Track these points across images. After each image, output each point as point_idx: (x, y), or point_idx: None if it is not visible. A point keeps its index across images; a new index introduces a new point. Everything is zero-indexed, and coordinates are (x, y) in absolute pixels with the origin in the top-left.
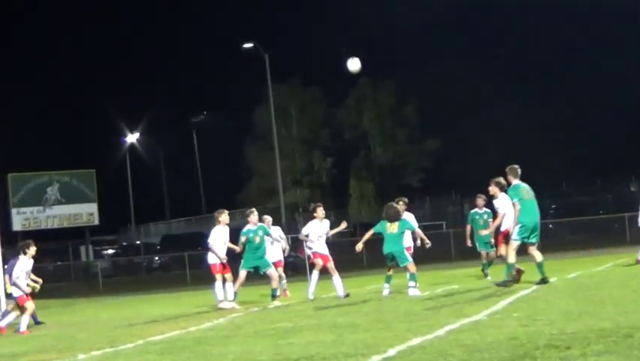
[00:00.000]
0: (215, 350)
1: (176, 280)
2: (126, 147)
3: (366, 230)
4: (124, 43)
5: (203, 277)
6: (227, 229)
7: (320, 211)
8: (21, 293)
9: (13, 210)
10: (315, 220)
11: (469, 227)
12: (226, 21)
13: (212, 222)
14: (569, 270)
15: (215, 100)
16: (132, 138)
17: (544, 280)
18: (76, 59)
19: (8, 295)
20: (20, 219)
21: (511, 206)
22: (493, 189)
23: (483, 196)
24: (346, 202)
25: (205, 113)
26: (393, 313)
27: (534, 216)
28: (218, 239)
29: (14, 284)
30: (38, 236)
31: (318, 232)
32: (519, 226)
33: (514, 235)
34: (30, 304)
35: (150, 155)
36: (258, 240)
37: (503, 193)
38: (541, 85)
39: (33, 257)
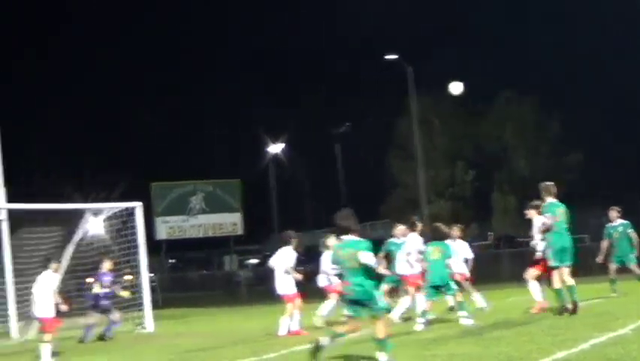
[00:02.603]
0: (360, 359)
1: (320, 290)
2: (269, 158)
3: (509, 243)
4: (271, 56)
5: None
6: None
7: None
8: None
9: (158, 220)
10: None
11: (606, 242)
12: (373, 33)
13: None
14: None
15: (358, 111)
16: (276, 148)
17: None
18: (223, 68)
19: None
20: (165, 228)
21: None
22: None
23: (616, 208)
24: (489, 215)
25: (348, 124)
26: (538, 327)
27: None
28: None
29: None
30: (182, 245)
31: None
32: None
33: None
34: (298, 302)
35: (293, 165)
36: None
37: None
38: None
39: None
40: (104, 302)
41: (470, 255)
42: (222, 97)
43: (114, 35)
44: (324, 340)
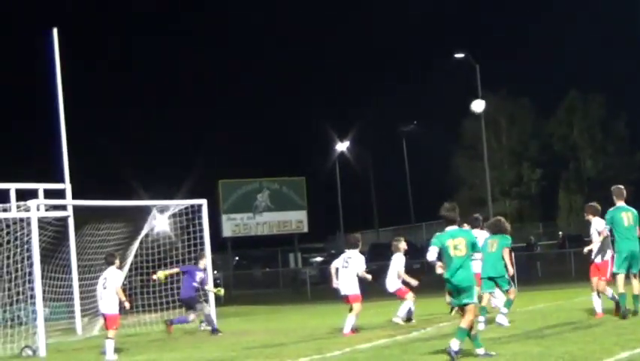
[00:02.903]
0: (422, 359)
1: (384, 288)
2: (336, 155)
3: (575, 242)
4: (337, 52)
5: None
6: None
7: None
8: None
9: (224, 217)
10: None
11: None
12: (438, 31)
13: (419, 233)
14: None
15: (425, 109)
16: (342, 146)
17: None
18: (289, 66)
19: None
20: (230, 225)
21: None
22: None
23: None
24: (554, 214)
25: (415, 122)
26: (602, 327)
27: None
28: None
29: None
30: (247, 243)
31: None
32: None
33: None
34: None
35: (359, 163)
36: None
37: (598, 218)
38: None
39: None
40: (192, 294)
41: None
42: (289, 94)
43: (185, 34)
44: (454, 344)
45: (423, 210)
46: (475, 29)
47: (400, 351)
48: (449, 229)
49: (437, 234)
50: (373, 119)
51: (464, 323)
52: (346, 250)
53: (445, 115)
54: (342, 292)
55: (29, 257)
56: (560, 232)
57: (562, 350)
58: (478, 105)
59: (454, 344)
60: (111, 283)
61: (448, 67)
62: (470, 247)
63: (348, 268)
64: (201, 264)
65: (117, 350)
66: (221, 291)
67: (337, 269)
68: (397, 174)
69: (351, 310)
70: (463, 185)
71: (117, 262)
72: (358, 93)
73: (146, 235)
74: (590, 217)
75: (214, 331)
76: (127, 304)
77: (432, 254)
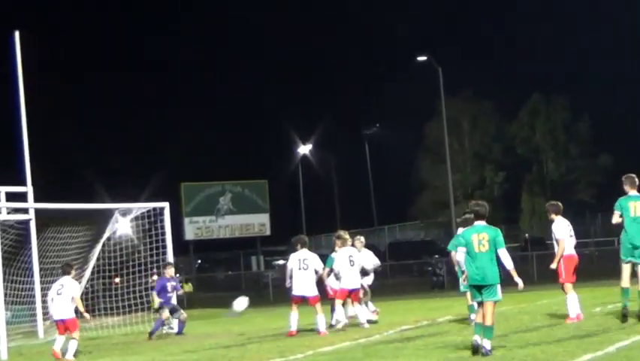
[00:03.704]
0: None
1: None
2: (298, 159)
3: (537, 245)
4: (300, 56)
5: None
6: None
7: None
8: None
9: (186, 220)
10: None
11: None
12: (401, 34)
13: (382, 236)
14: None
15: (387, 112)
16: (304, 149)
17: None
18: (251, 71)
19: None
20: (193, 228)
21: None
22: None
23: None
24: (517, 217)
25: (377, 125)
26: (564, 330)
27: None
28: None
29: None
30: (210, 246)
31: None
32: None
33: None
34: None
35: (322, 166)
36: None
37: (560, 217)
38: None
39: None
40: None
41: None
42: (252, 98)
43: (146, 36)
44: (477, 338)
45: (385, 213)
46: (438, 32)
47: (363, 354)
48: (477, 223)
49: (461, 232)
50: (336, 122)
51: (488, 321)
52: (298, 250)
53: (408, 117)
54: (302, 294)
55: None
56: (527, 234)
57: (524, 352)
58: (239, 304)
59: (487, 344)
60: (67, 291)
61: (412, 69)
62: (493, 244)
63: (308, 270)
64: (167, 274)
65: (78, 352)
66: (189, 285)
67: (292, 270)
68: (360, 177)
69: (314, 310)
70: (426, 188)
71: (73, 272)
72: (321, 95)
73: (108, 238)
74: (553, 216)
75: (178, 333)
76: (87, 315)
77: (461, 254)
